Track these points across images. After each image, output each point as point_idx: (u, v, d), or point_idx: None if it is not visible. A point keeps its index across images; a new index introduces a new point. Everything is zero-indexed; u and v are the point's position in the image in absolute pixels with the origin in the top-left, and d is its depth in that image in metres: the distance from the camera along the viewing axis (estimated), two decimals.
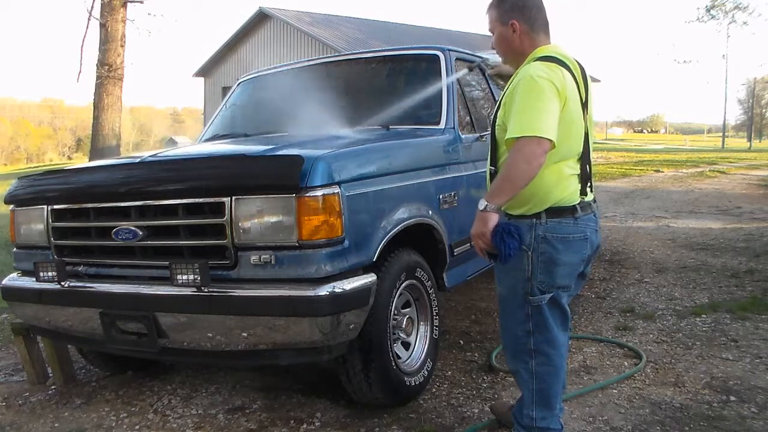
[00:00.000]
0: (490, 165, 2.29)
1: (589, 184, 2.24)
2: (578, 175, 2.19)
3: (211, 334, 2.53)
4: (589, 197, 2.24)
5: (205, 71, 31.81)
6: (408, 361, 2.98)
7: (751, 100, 62.43)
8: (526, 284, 2.16)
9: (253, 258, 2.45)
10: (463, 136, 3.58)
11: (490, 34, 2.33)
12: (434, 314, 3.13)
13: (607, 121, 50.32)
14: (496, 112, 2.24)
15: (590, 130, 2.24)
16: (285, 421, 2.86)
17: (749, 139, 56.94)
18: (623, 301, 4.62)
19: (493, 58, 4.77)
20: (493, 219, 2.05)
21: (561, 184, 2.14)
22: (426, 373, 3.02)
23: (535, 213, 2.13)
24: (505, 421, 2.61)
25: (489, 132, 2.33)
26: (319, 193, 2.40)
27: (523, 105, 2.03)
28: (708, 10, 43.20)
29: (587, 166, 2.22)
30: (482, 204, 2.06)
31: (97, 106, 11.43)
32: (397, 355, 2.86)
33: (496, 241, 2.05)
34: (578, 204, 2.17)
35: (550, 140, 1.99)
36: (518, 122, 2.02)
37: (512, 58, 2.29)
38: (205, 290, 2.44)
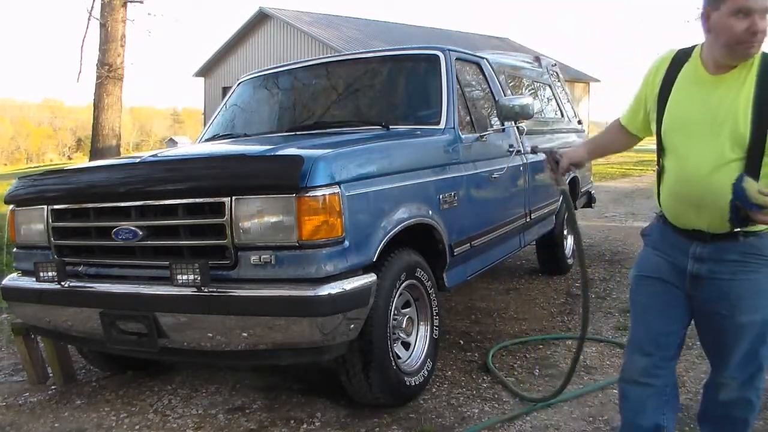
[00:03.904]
0: (746, 173, 1.74)
1: None
2: None
3: (211, 334, 2.53)
4: None
5: (205, 71, 31.81)
6: (408, 361, 2.98)
7: None
8: None
9: (253, 258, 2.45)
10: (463, 136, 3.57)
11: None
12: (434, 314, 3.12)
13: (607, 121, 50.19)
14: (765, 110, 1.75)
15: None
16: (285, 421, 2.86)
17: None
18: (623, 301, 4.61)
19: (494, 57, 4.79)
20: None
21: None
22: (426, 373, 3.01)
23: None
24: None
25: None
26: (319, 193, 2.40)
27: None
28: None
29: None
30: None
31: (97, 106, 11.44)
32: (397, 355, 2.86)
33: None
34: None
35: None
36: None
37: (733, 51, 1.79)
38: (205, 290, 2.44)
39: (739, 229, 1.80)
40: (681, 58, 1.92)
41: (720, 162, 1.76)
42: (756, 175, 1.74)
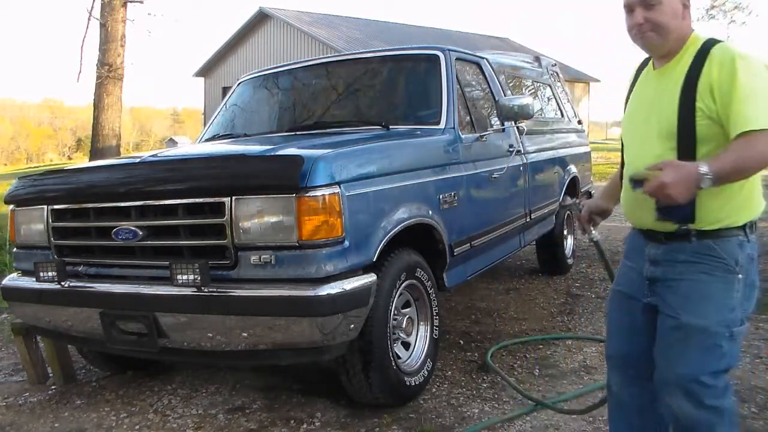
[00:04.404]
0: (684, 159, 1.67)
1: None
2: None
3: (211, 334, 2.54)
4: None
5: (205, 71, 31.81)
6: (408, 361, 2.98)
7: None
8: (732, 313, 1.74)
9: (253, 258, 2.45)
10: (463, 136, 3.57)
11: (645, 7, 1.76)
12: (434, 314, 3.12)
13: (607, 121, 50.23)
14: (690, 97, 1.70)
15: None
16: (285, 421, 2.86)
17: None
18: None
19: (494, 57, 4.79)
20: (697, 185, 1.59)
21: (759, 190, 1.79)
22: (426, 373, 3.01)
23: (741, 226, 1.74)
24: None
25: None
26: (319, 193, 2.40)
27: (761, 89, 1.63)
28: (707, 11, 43.23)
29: None
30: (704, 168, 1.57)
31: (97, 106, 11.43)
32: (397, 355, 2.86)
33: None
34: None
35: None
36: (762, 109, 1.61)
37: (669, 42, 1.78)
38: (205, 290, 2.44)
39: (686, 228, 1.71)
40: (643, 65, 1.96)
41: (656, 154, 1.70)
42: None
